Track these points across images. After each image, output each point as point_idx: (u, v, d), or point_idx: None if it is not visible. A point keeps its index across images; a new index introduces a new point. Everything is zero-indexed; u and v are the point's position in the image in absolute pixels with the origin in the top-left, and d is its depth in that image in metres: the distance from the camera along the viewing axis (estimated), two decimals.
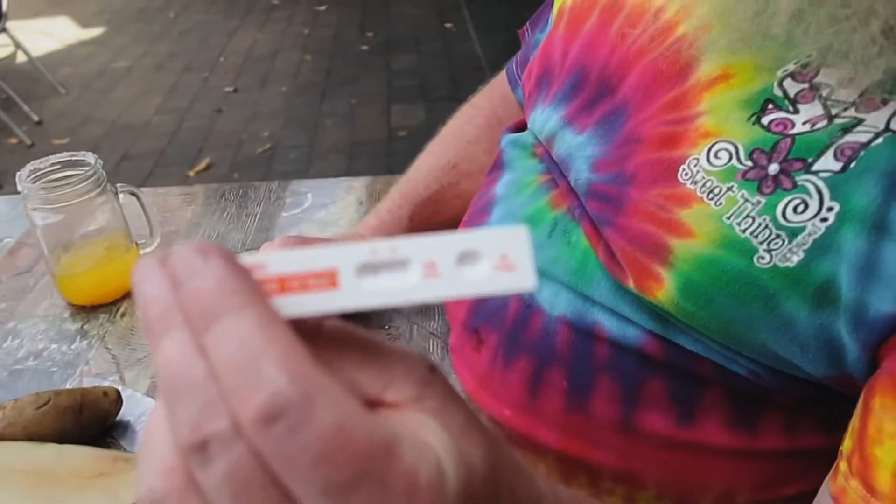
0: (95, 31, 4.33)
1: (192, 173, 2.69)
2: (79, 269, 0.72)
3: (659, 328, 0.43)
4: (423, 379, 0.21)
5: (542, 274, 0.49)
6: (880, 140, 0.34)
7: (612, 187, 0.45)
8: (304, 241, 0.63)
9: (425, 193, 0.70)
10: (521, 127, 0.60)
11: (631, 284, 0.43)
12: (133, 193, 0.76)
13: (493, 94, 0.77)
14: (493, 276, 0.21)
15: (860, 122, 0.35)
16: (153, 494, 0.18)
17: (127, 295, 0.74)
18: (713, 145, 0.39)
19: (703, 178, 0.39)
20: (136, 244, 0.77)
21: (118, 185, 0.75)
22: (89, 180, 0.70)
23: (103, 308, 0.72)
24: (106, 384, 0.61)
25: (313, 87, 3.36)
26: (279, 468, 0.17)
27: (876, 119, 0.35)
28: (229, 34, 4.15)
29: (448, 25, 4.05)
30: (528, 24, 0.72)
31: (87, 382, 0.63)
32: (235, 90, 3.39)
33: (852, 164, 0.35)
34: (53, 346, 0.68)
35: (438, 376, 0.22)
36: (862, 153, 0.34)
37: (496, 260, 0.21)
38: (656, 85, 0.44)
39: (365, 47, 3.83)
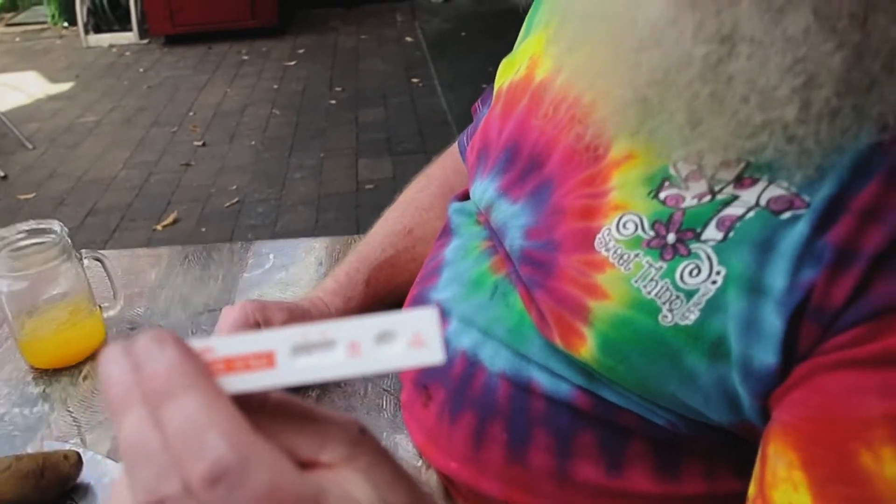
0: (64, 86, 4.35)
1: (159, 227, 2.69)
2: (42, 334, 0.74)
3: (586, 383, 0.47)
4: (354, 440, 0.25)
5: (485, 333, 0.52)
6: (752, 214, 0.39)
7: (542, 253, 0.49)
8: (261, 307, 0.66)
9: (381, 258, 0.74)
10: (467, 196, 0.65)
11: (559, 342, 0.47)
12: (97, 259, 0.79)
13: (445, 164, 0.82)
14: (407, 353, 0.25)
15: (736, 198, 0.40)
16: None
17: (89, 358, 0.76)
18: (622, 217, 0.44)
19: (614, 246, 0.44)
20: (100, 307, 0.79)
21: (83, 250, 0.78)
22: (55, 248, 0.72)
23: (66, 371, 0.74)
24: (67, 447, 0.63)
25: (282, 141, 3.41)
26: None
27: (749, 195, 0.40)
28: (199, 89, 4.21)
29: (415, 80, 4.16)
30: (479, 100, 0.78)
31: (49, 446, 0.64)
32: (204, 144, 3.43)
33: (731, 234, 0.40)
34: (16, 409, 0.70)
35: (369, 437, 0.26)
36: (738, 224, 0.40)
37: (409, 338, 0.25)
38: (575, 163, 0.49)
39: (333, 101, 3.92)
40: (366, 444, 0.25)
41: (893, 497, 0.33)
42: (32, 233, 0.74)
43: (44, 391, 0.72)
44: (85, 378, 0.73)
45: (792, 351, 0.38)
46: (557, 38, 0.50)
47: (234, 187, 2.99)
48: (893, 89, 0.35)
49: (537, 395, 0.49)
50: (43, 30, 5.74)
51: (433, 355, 0.25)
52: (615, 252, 0.44)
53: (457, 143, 0.82)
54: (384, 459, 0.26)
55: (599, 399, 0.47)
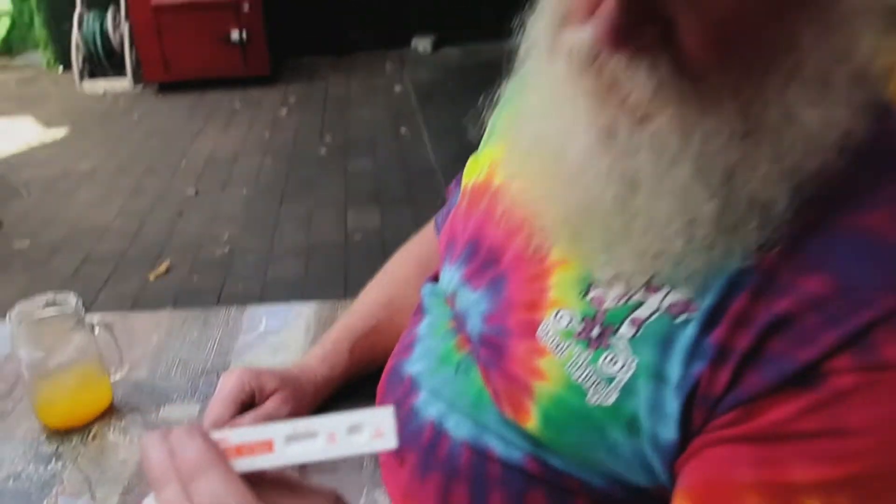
0: (59, 133, 4.46)
1: (151, 277, 2.77)
2: (55, 397, 0.82)
3: (535, 451, 0.56)
4: None
5: (450, 405, 0.61)
6: (655, 316, 0.49)
7: (497, 338, 0.58)
8: (255, 375, 0.74)
9: (364, 328, 0.83)
10: (438, 277, 0.75)
11: (510, 415, 0.56)
12: (107, 327, 0.87)
13: (423, 240, 0.92)
14: (371, 442, 0.36)
15: (644, 302, 0.50)
16: None
17: (98, 418, 0.83)
18: (558, 312, 0.54)
19: (552, 336, 0.53)
20: (109, 372, 0.87)
21: (95, 318, 0.86)
22: (70, 319, 0.81)
23: (76, 431, 0.82)
24: (80, 503, 0.70)
25: (273, 191, 3.52)
26: None
27: (654, 300, 0.49)
28: (192, 137, 4.33)
29: (403, 130, 4.31)
30: (453, 182, 0.88)
31: (63, 501, 0.71)
32: (197, 193, 3.53)
33: (640, 332, 0.49)
34: (31, 467, 0.77)
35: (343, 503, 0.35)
36: (645, 324, 0.49)
37: (373, 431, 0.36)
38: (523, 262, 0.59)
39: (323, 151, 4.04)
40: None
41: None
42: (50, 304, 0.82)
43: (56, 450, 0.79)
44: (94, 437, 0.81)
45: (687, 429, 0.47)
46: (506, 161, 0.60)
47: (226, 236, 3.08)
48: (752, 232, 0.45)
49: (494, 460, 0.58)
50: (38, 75, 5.87)
51: (389, 444, 0.36)
52: (552, 341, 0.53)
53: (434, 220, 0.91)
54: None
55: (547, 465, 0.56)
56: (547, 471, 0.56)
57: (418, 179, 3.56)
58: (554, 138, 0.50)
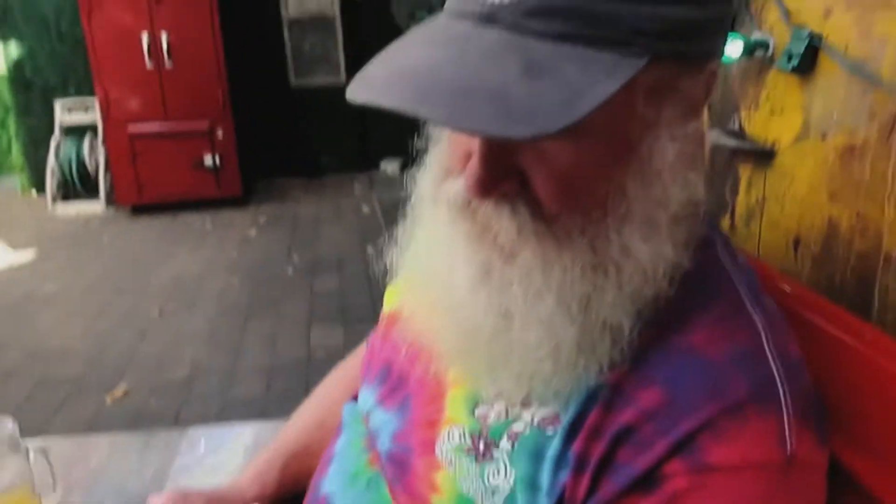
0: (26, 257, 4.48)
1: (108, 400, 2.72)
2: None
3: None
4: None
5: None
6: (528, 430, 0.54)
7: (402, 456, 0.62)
8: (184, 497, 0.76)
9: (296, 449, 0.86)
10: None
11: None
12: (42, 451, 0.88)
13: (356, 360, 0.96)
14: None
15: (519, 417, 0.55)
16: None
17: None
18: (451, 429, 0.58)
19: (446, 452, 0.58)
20: (39, 496, 0.87)
21: (29, 443, 0.87)
22: (4, 445, 0.82)
23: None
24: None
25: (238, 311, 3.54)
26: None
27: (527, 415, 0.54)
28: (161, 258, 4.37)
29: (370, 250, 4.39)
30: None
31: None
32: (161, 314, 3.53)
33: (516, 445, 0.54)
34: None
35: None
36: (520, 438, 0.54)
37: None
38: (425, 385, 0.64)
39: (290, 270, 4.11)
40: None
41: None
42: None
43: None
44: None
45: None
46: (408, 294, 0.67)
47: (188, 357, 3.06)
48: (605, 351, 0.51)
49: None
50: (11, 199, 5.94)
51: None
52: (446, 457, 0.57)
53: (366, 339, 0.96)
54: None
55: None
56: None
57: (383, 298, 3.61)
58: (441, 275, 0.56)
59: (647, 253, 0.50)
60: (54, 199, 5.42)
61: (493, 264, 0.52)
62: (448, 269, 0.55)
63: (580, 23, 0.44)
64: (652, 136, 0.50)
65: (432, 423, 0.60)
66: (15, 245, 4.68)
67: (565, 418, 0.52)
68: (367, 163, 6.35)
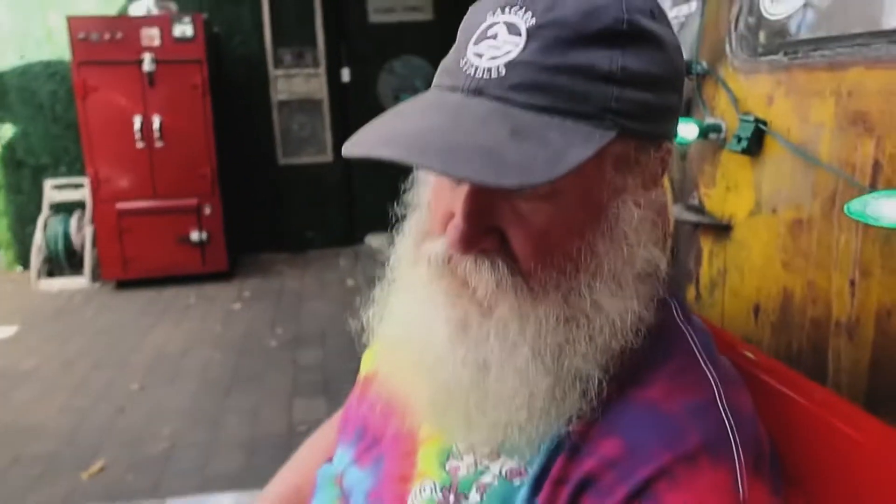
0: (7, 332, 4.43)
1: (85, 476, 2.66)
2: None
3: None
4: None
5: None
6: (496, 482, 0.57)
7: None
8: None
9: None
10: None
11: None
12: None
13: (332, 426, 0.98)
14: None
15: (488, 469, 0.58)
16: None
17: None
18: (422, 483, 0.61)
19: None
20: None
21: None
22: None
23: None
24: None
25: (219, 384, 3.51)
26: None
27: (495, 467, 0.58)
28: (143, 333, 4.35)
29: (354, 322, 4.41)
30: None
31: None
32: (141, 388, 3.49)
33: (484, 496, 0.57)
34: None
35: None
36: (488, 489, 0.57)
37: None
38: (399, 442, 0.67)
39: (274, 343, 4.09)
40: None
41: None
42: None
43: None
44: None
45: None
46: (383, 355, 0.71)
47: (168, 431, 3.01)
48: (576, 401, 0.55)
49: None
50: None
51: None
52: None
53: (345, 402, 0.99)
54: None
55: None
56: None
57: None
58: (419, 334, 0.60)
59: (616, 307, 0.55)
60: (39, 275, 5.41)
61: (470, 319, 0.57)
62: (426, 328, 0.59)
63: (559, 98, 0.52)
64: (619, 201, 0.56)
65: (405, 478, 0.63)
66: None
67: (532, 469, 0.55)
68: (352, 238, 6.43)
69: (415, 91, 6.63)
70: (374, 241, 6.33)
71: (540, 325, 0.55)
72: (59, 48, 5.59)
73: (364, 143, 0.54)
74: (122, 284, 5.35)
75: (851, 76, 0.73)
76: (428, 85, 0.64)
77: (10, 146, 5.75)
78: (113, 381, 3.60)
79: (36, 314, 4.80)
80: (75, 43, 4.86)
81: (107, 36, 4.87)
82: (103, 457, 2.81)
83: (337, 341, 4.08)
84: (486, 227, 0.55)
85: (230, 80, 5.89)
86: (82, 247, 5.45)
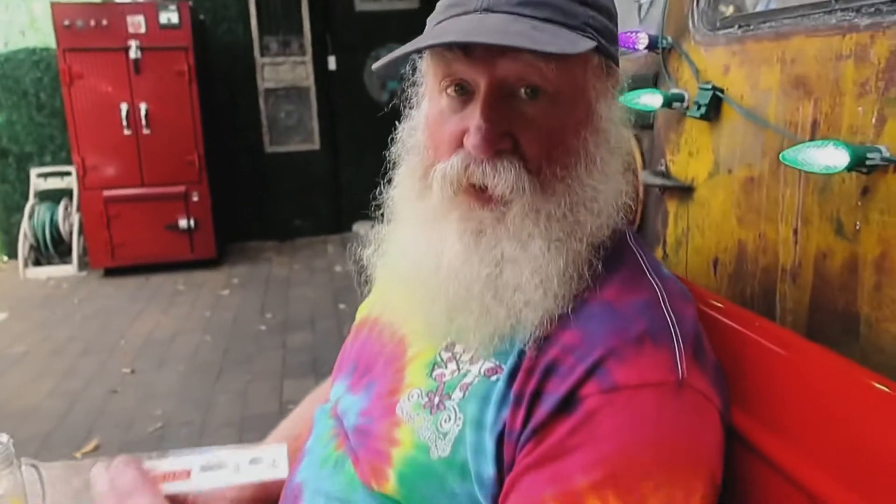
0: None
1: (78, 455, 2.71)
2: None
3: None
4: None
5: (328, 496, 0.72)
6: (477, 380, 0.65)
7: (367, 426, 0.72)
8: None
9: None
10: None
11: (374, 486, 0.68)
12: (34, 466, 0.95)
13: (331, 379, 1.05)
14: (267, 471, 0.48)
15: (469, 371, 0.65)
16: None
17: None
18: (410, 392, 0.69)
19: (406, 410, 0.68)
20: None
21: (22, 459, 0.94)
22: (1, 457, 0.89)
23: None
24: None
25: (210, 367, 3.56)
26: None
27: (475, 368, 0.66)
28: (132, 318, 4.39)
29: (342, 306, 4.48)
30: None
31: None
32: (132, 371, 3.54)
33: (466, 393, 0.65)
34: None
35: None
36: (470, 387, 0.65)
37: (270, 462, 0.48)
38: (390, 364, 0.74)
39: (263, 327, 4.15)
40: None
41: None
42: None
43: None
44: None
45: (500, 462, 0.61)
46: (381, 296, 0.79)
47: (159, 412, 3.07)
48: (577, 281, 0.64)
49: None
50: None
51: (282, 473, 0.48)
52: (406, 413, 0.68)
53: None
54: None
55: None
56: None
57: None
58: (432, 252, 0.68)
59: (610, 189, 0.66)
60: (26, 264, 5.42)
61: (484, 227, 0.66)
62: (440, 245, 0.67)
63: (556, 13, 0.64)
64: (602, 104, 0.68)
65: (394, 392, 0.71)
66: None
67: (506, 366, 0.63)
68: (339, 226, 6.48)
69: (401, 80, 6.67)
70: (361, 228, 6.39)
71: (550, 217, 0.64)
72: (43, 35, 5.58)
73: (413, 43, 0.63)
74: (111, 272, 5.37)
75: (794, 45, 0.80)
76: (413, 71, 0.74)
77: None
78: (104, 365, 3.64)
79: (24, 302, 4.82)
80: (60, 30, 4.86)
81: (92, 23, 4.87)
82: (97, 437, 2.86)
83: (326, 324, 4.14)
84: (502, 131, 0.64)
85: (216, 68, 5.90)
86: (70, 235, 5.46)
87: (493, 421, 0.62)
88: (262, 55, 6.11)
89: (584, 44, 0.63)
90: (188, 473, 0.47)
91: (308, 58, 6.16)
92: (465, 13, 0.64)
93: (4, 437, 0.92)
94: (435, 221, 0.68)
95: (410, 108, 0.77)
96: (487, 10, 0.63)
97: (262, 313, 4.42)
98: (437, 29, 0.65)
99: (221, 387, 3.32)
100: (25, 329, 4.24)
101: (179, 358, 3.71)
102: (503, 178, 0.64)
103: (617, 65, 0.72)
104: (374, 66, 0.66)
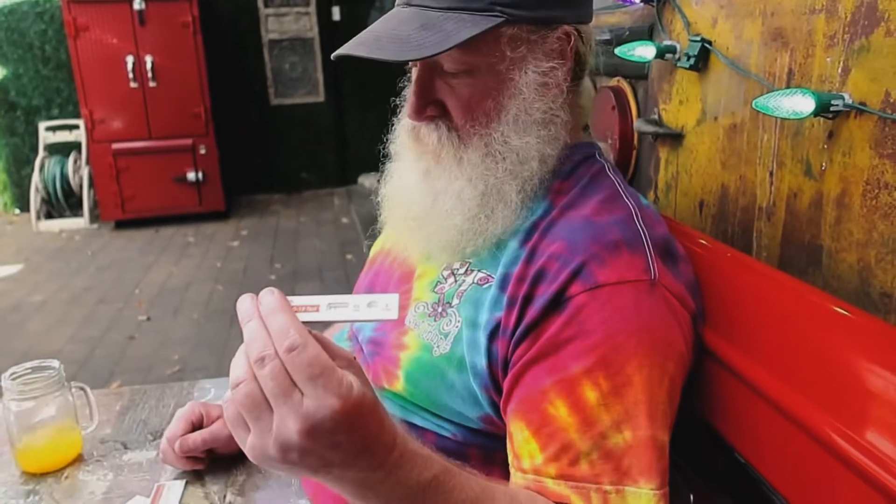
0: (13, 269, 4.58)
1: None
2: (35, 445, 0.98)
3: (402, 414, 0.78)
4: (350, 360, 0.53)
5: None
6: (470, 288, 0.76)
7: (379, 337, 0.83)
8: (203, 405, 0.94)
9: None
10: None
11: (386, 386, 0.78)
12: (82, 389, 1.05)
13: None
14: (382, 312, 0.54)
15: (465, 281, 0.76)
16: (237, 381, 0.49)
17: (69, 465, 0.99)
18: (417, 304, 0.79)
19: (413, 319, 0.78)
20: (81, 426, 1.04)
21: (72, 382, 1.04)
22: (53, 380, 0.99)
23: (50, 475, 0.97)
24: None
25: (223, 314, 3.69)
26: (291, 369, 0.48)
27: (469, 278, 0.76)
28: (145, 269, 4.51)
29: (349, 257, 4.59)
30: None
31: None
32: (148, 319, 3.67)
33: (462, 299, 0.75)
34: (12, 502, 0.92)
35: (357, 363, 0.54)
36: (464, 294, 0.75)
37: (384, 306, 0.54)
38: (401, 284, 0.85)
39: (273, 277, 4.26)
40: (355, 364, 0.53)
41: (568, 425, 0.65)
42: (37, 369, 1.01)
43: (34, 488, 0.95)
44: (66, 478, 0.97)
45: (490, 355, 0.72)
46: (388, 227, 0.88)
47: (177, 357, 3.20)
48: (501, 211, 0.76)
49: None
50: None
51: (393, 315, 0.53)
52: (413, 322, 0.78)
53: None
54: (363, 374, 0.53)
55: (411, 425, 0.77)
56: (412, 431, 0.77)
57: None
58: (403, 184, 0.82)
59: (520, 142, 0.76)
60: (38, 217, 5.52)
61: (430, 168, 0.79)
62: (405, 179, 0.82)
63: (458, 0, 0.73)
64: (518, 70, 0.76)
65: (403, 307, 0.81)
66: (1, 260, 4.78)
67: (496, 276, 0.73)
68: (345, 178, 6.54)
69: None
70: (367, 181, 6.45)
71: (469, 162, 0.77)
72: None
73: (343, 48, 0.75)
74: (121, 224, 5.48)
75: None
76: None
77: (2, 88, 5.77)
78: (120, 312, 3.77)
79: (38, 253, 4.94)
80: None
81: None
82: (118, 379, 3.00)
83: (334, 274, 4.26)
84: (430, 99, 0.78)
85: (220, 20, 5.88)
86: (80, 188, 5.54)
87: (486, 321, 0.73)
88: (266, 6, 6.08)
89: (466, 32, 0.71)
90: (317, 307, 0.54)
91: (312, 8, 6.13)
92: (395, 5, 0.78)
93: (56, 363, 1.02)
94: (405, 158, 0.84)
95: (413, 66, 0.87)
96: (407, 3, 0.76)
97: (272, 264, 4.53)
98: (349, 42, 0.77)
99: (236, 332, 3.44)
100: (42, 279, 4.37)
101: (193, 306, 3.83)
102: (432, 137, 0.78)
103: (548, 26, 0.77)
104: (333, 55, 0.77)
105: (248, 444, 0.50)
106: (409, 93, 0.80)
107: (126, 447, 1.04)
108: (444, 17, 0.72)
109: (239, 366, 0.50)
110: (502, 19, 0.73)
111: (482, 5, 0.72)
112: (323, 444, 0.49)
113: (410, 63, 0.80)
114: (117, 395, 1.20)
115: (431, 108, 0.78)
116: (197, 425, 0.94)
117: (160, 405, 1.16)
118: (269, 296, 0.52)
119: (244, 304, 0.52)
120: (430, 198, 0.79)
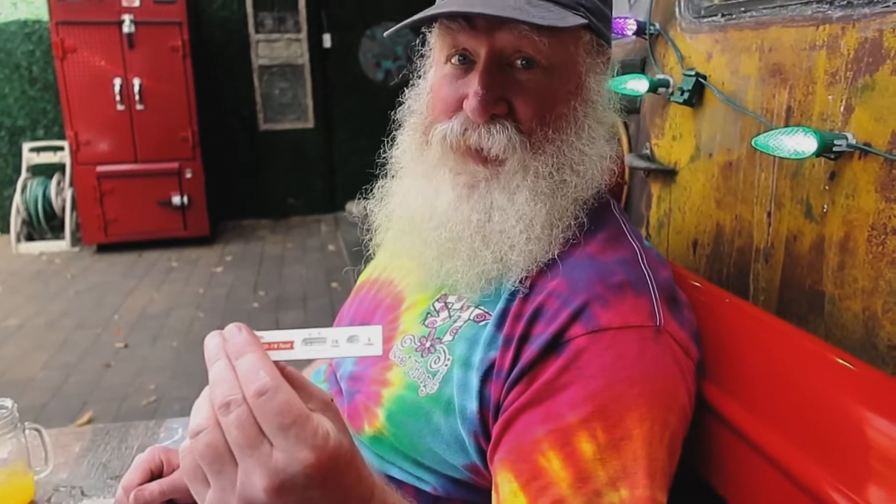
0: None
1: (74, 427, 2.75)
2: None
3: (380, 465, 0.72)
4: (327, 402, 0.47)
5: None
6: (466, 325, 0.70)
7: (360, 372, 0.77)
8: (164, 450, 0.87)
9: None
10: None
11: (366, 426, 0.72)
12: (37, 430, 0.98)
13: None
14: (364, 348, 0.49)
15: (460, 317, 0.71)
16: (198, 428, 0.43)
17: None
18: (404, 337, 0.74)
19: (399, 354, 0.73)
20: (34, 470, 0.97)
21: (26, 423, 0.97)
22: (5, 420, 0.92)
23: None
24: None
25: (203, 342, 3.59)
26: (259, 416, 0.42)
27: (465, 315, 0.71)
28: (126, 294, 4.41)
29: (334, 285, 4.52)
30: None
31: None
32: (126, 346, 3.57)
33: (456, 336, 0.70)
34: None
35: (334, 405, 0.48)
36: (459, 331, 0.70)
37: (365, 340, 0.49)
38: (387, 314, 0.79)
39: (256, 305, 4.18)
40: (332, 407, 0.48)
41: (560, 479, 0.60)
42: None
43: None
44: None
45: (482, 398, 0.66)
46: (381, 255, 0.84)
47: (153, 386, 3.11)
48: (559, 232, 0.69)
49: None
50: None
51: (377, 352, 0.48)
52: (399, 357, 0.73)
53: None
54: (341, 419, 0.48)
55: (389, 477, 0.71)
56: (390, 483, 0.71)
57: None
58: (427, 203, 0.74)
59: (596, 153, 0.72)
60: (18, 239, 5.42)
61: (478, 179, 0.72)
62: (434, 195, 0.73)
63: None
64: (592, 77, 0.73)
65: (388, 339, 0.76)
66: None
67: (494, 312, 0.68)
68: (333, 205, 6.50)
69: (395, 59, 6.67)
70: (354, 208, 6.40)
71: (537, 173, 0.70)
72: (35, 7, 5.54)
73: (423, 13, 0.69)
74: (104, 248, 5.38)
75: (771, 34, 0.83)
76: (409, 52, 0.78)
77: None
78: (98, 339, 3.67)
79: (17, 276, 4.83)
80: (52, 2, 4.82)
81: None
82: (91, 409, 2.90)
83: (318, 303, 4.18)
84: (497, 96, 0.70)
85: (210, 44, 5.88)
86: (62, 210, 5.45)
87: (480, 361, 0.67)
88: (257, 31, 6.08)
89: (573, 19, 0.68)
90: (291, 344, 0.48)
91: (303, 35, 6.14)
92: None
93: (9, 402, 0.95)
94: (431, 174, 0.75)
95: (418, 77, 0.83)
96: None
97: (255, 290, 4.45)
98: (445, 2, 0.71)
99: None
100: (19, 303, 4.26)
101: (173, 333, 3.74)
102: (497, 140, 0.70)
103: (608, 45, 0.76)
104: (386, 32, 0.72)
105: (206, 500, 0.45)
106: (470, 87, 0.70)
107: (83, 493, 0.97)
108: (539, 2, 0.68)
109: (201, 411, 0.44)
110: (586, 21, 0.70)
111: (570, 2, 0.70)
112: (293, 502, 0.43)
113: (470, 51, 0.71)
114: (77, 435, 1.13)
115: (499, 106, 0.71)
116: (156, 473, 0.87)
117: (123, 446, 1.09)
118: (238, 333, 0.46)
119: (212, 341, 0.47)
120: (478, 215, 0.71)
